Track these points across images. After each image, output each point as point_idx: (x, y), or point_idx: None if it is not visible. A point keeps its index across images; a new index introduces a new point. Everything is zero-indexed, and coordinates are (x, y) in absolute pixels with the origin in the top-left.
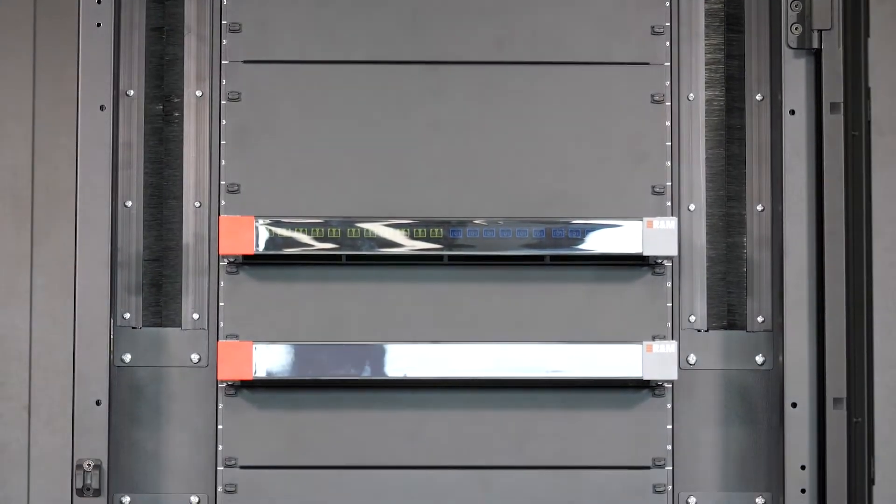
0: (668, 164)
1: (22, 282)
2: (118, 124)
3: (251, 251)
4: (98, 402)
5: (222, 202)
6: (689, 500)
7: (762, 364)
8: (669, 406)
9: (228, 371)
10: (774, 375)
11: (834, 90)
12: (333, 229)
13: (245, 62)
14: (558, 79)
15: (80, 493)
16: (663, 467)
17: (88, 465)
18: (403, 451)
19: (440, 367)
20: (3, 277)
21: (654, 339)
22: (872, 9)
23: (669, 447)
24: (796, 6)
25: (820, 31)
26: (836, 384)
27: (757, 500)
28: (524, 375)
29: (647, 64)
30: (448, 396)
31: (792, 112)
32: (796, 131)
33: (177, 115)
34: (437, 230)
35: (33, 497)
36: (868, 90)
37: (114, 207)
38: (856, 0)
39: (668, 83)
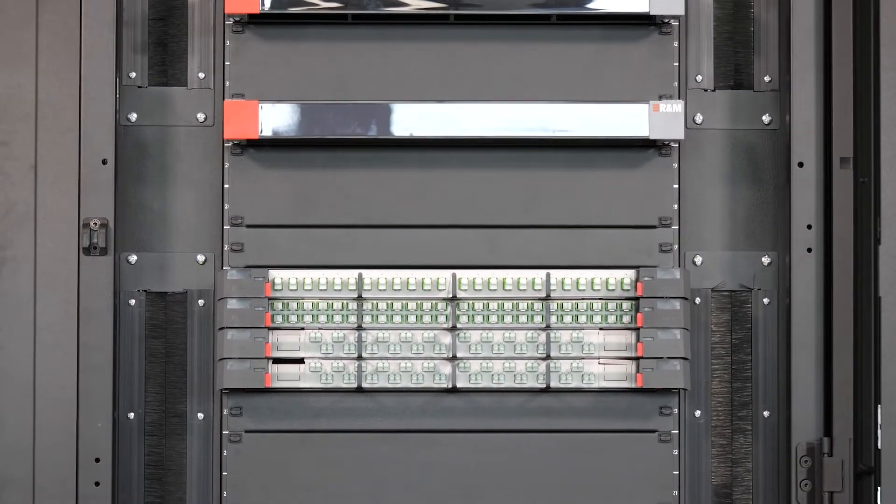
0: None
1: (27, 41)
2: None
3: (257, 10)
4: (104, 162)
5: None
6: (696, 260)
7: (769, 124)
8: (676, 166)
9: (234, 130)
10: (781, 135)
11: None
12: None
13: None
14: None
15: (87, 251)
16: (669, 226)
17: (95, 223)
18: (410, 211)
19: (446, 127)
20: (8, 37)
21: (660, 98)
22: None
23: (676, 207)
24: None
25: None
26: (843, 144)
27: (763, 259)
28: (530, 135)
29: None
30: (454, 156)
31: None
32: None
33: None
34: None
35: (40, 256)
36: None
37: None
38: None
39: None
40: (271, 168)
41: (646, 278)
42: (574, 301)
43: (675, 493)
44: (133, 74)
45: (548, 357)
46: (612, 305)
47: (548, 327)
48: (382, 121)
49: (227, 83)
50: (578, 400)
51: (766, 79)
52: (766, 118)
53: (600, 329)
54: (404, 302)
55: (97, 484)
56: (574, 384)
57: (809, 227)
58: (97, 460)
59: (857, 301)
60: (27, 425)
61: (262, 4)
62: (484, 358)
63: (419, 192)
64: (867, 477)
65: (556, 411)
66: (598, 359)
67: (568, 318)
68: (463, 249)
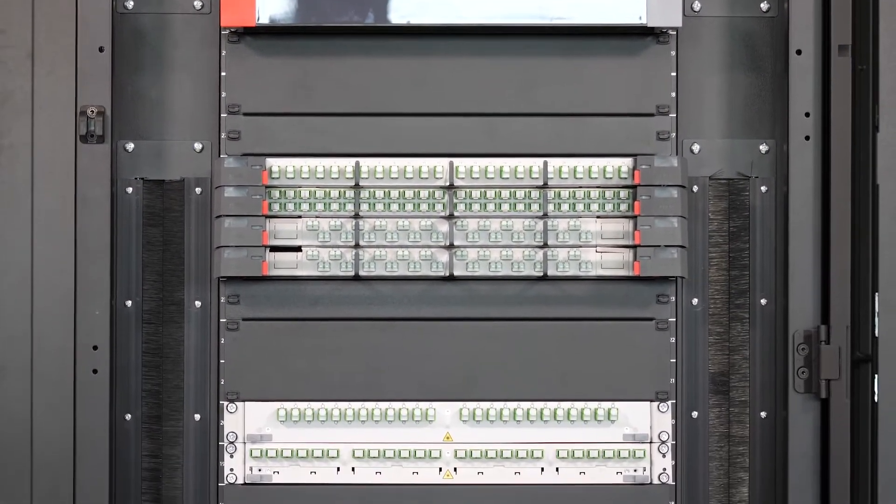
0: None
1: None
2: None
3: None
4: (101, 49)
5: None
6: (693, 147)
7: (767, 11)
8: (673, 53)
9: (231, 17)
10: (779, 22)
11: None
12: None
13: None
14: None
15: (84, 139)
16: (667, 114)
17: (92, 111)
18: (407, 98)
19: (444, 14)
20: None
21: None
22: None
23: (673, 94)
24: None
25: None
26: (842, 31)
27: (760, 146)
28: (528, 22)
29: None
30: (452, 44)
31: None
32: None
33: None
34: None
35: (37, 143)
36: None
37: None
38: None
39: None
40: (268, 56)
41: (643, 166)
42: (571, 189)
43: (672, 380)
44: None
45: (545, 245)
46: (609, 193)
47: (545, 215)
48: (379, 8)
49: None
50: (576, 288)
51: None
52: (764, 5)
53: (598, 217)
54: (401, 190)
55: (95, 371)
56: (571, 272)
57: (807, 114)
58: (95, 348)
59: (854, 189)
60: (25, 313)
61: None
62: (481, 246)
63: (417, 80)
64: (864, 364)
65: (554, 299)
66: (596, 247)
67: (565, 207)
68: (460, 137)
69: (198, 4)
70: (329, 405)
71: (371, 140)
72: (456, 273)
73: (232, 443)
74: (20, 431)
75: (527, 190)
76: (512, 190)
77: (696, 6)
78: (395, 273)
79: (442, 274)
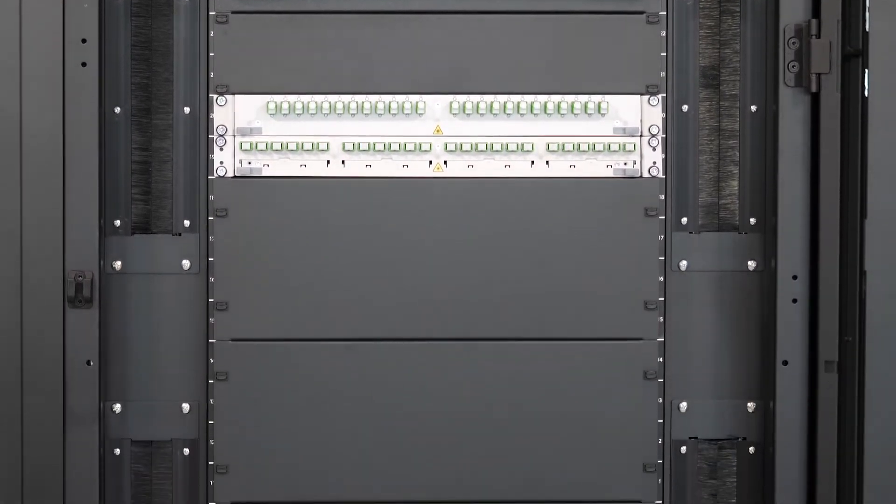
0: None
1: None
2: None
3: None
4: None
5: None
6: None
7: None
8: None
9: None
10: None
11: None
12: None
13: None
14: None
15: None
16: None
17: None
18: None
19: None
20: None
21: None
22: None
23: None
24: None
25: None
26: None
27: None
28: None
29: None
30: None
31: None
32: None
33: None
34: None
35: None
36: None
37: None
38: None
39: None
40: None
41: None
42: None
43: (662, 74)
44: None
45: None
46: None
47: None
48: None
49: None
50: None
51: None
52: None
53: None
54: None
55: (84, 65)
56: None
57: None
58: (84, 41)
59: None
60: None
61: None
62: None
63: None
64: (854, 59)
65: None
66: None
67: None
68: None
69: None
70: (319, 98)
71: None
72: None
73: (222, 136)
74: (9, 129)
75: None
76: None
77: None
78: None
79: None
